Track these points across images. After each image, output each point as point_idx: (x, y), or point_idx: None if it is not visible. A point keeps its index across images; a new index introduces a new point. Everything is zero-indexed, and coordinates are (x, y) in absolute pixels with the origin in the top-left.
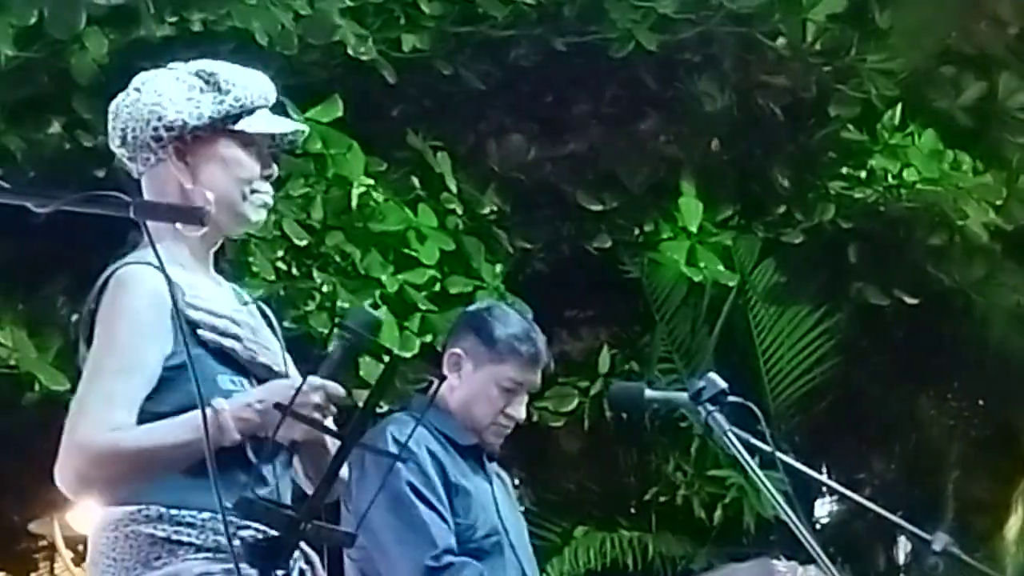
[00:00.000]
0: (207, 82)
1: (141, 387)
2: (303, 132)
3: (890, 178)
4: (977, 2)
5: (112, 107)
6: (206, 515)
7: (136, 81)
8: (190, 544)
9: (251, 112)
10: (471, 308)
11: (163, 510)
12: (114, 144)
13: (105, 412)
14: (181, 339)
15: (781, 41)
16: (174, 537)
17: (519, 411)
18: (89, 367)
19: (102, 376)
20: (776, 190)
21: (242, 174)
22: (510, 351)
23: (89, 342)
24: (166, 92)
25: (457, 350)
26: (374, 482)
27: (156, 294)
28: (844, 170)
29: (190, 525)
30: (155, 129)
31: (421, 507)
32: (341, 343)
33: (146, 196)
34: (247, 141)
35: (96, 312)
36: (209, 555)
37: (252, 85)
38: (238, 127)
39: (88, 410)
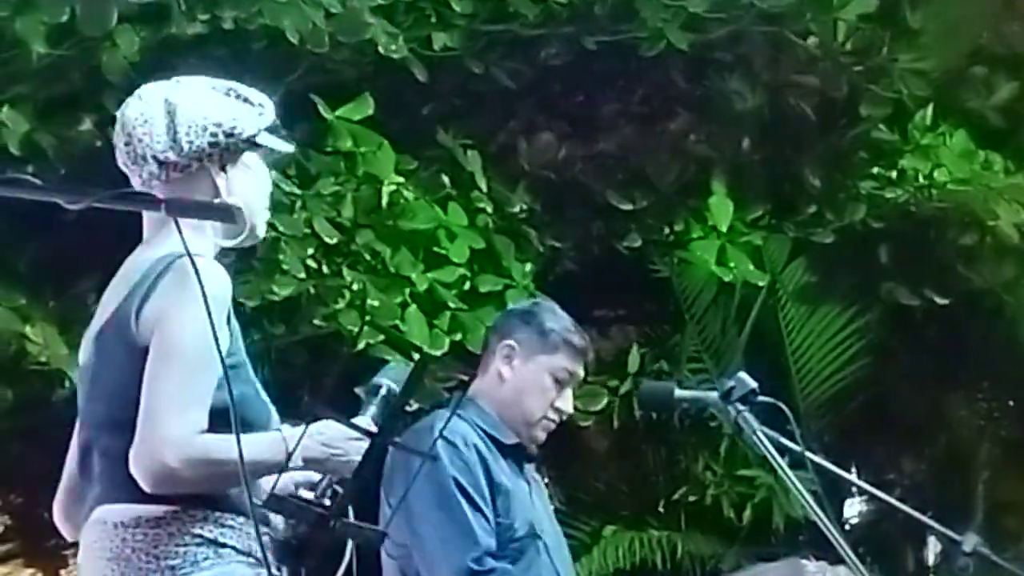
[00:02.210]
0: (237, 96)
1: (213, 386)
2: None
3: (921, 178)
4: (1009, 2)
5: (142, 116)
6: (241, 519)
7: (156, 93)
8: (232, 547)
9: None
10: (517, 304)
11: (208, 512)
12: (153, 149)
13: (193, 411)
14: (237, 341)
15: (812, 40)
16: (220, 539)
17: (568, 404)
18: (165, 359)
19: (182, 371)
20: (807, 190)
21: (265, 188)
22: (564, 341)
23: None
24: (215, 102)
25: (510, 341)
26: (417, 478)
27: (221, 289)
28: (875, 170)
29: (231, 527)
30: (213, 135)
31: (466, 506)
32: (382, 400)
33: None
34: (263, 156)
35: (147, 300)
36: (246, 559)
37: (270, 102)
38: (261, 141)
39: (174, 406)
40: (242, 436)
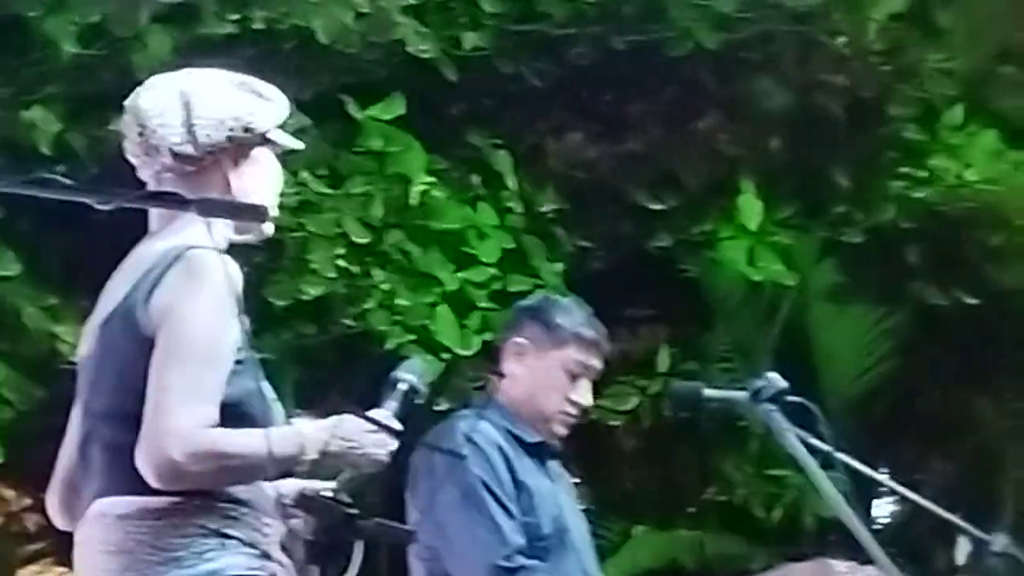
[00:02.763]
0: (251, 90)
1: (222, 380)
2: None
3: (950, 178)
4: None
5: (157, 107)
6: (245, 510)
7: (170, 84)
8: (237, 538)
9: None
10: (526, 301)
11: (212, 502)
12: (168, 141)
13: (199, 405)
14: (245, 335)
15: (842, 40)
16: (223, 530)
17: (585, 396)
18: (174, 352)
19: (191, 364)
20: (836, 189)
21: (275, 184)
22: (573, 335)
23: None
24: (231, 96)
25: (520, 339)
26: (442, 479)
27: (231, 282)
28: (904, 170)
29: (234, 519)
30: (231, 130)
31: (492, 505)
32: (400, 394)
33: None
34: (274, 153)
35: (154, 291)
36: (251, 550)
37: (283, 97)
38: (273, 137)
39: (182, 400)
40: (256, 431)
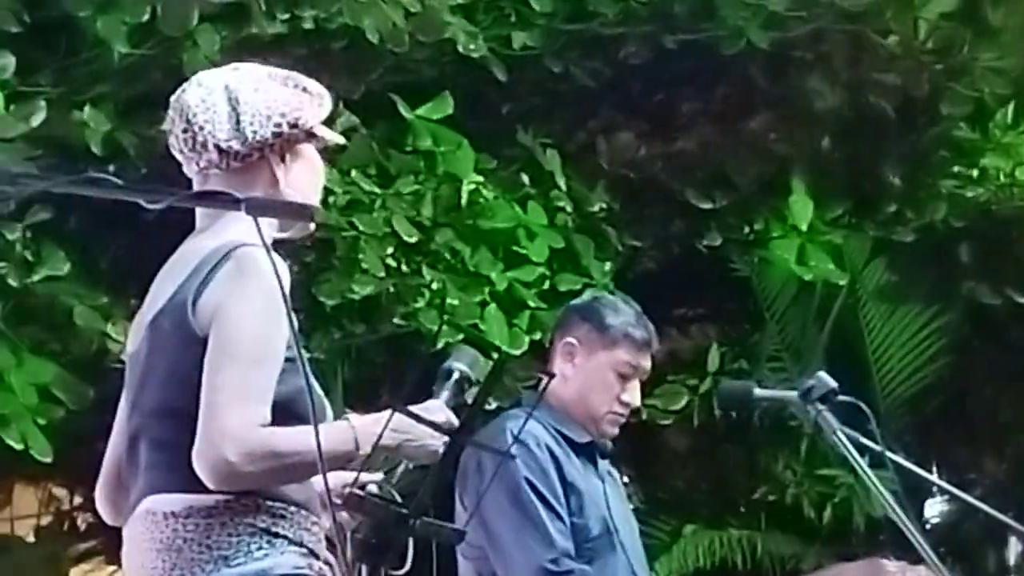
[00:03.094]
0: (296, 85)
1: (274, 379)
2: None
3: (1002, 177)
4: None
5: (204, 103)
6: (293, 508)
7: (217, 80)
8: (285, 537)
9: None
10: (577, 300)
11: (260, 501)
12: (215, 137)
13: (254, 405)
14: (292, 333)
15: (893, 39)
16: (271, 529)
17: (634, 397)
18: (226, 351)
19: (243, 364)
20: (887, 189)
21: (319, 179)
22: (623, 336)
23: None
24: (278, 91)
25: (570, 339)
26: (491, 478)
27: (281, 280)
28: (956, 169)
29: (282, 517)
30: (277, 125)
31: (540, 506)
32: (453, 384)
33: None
34: (318, 148)
35: (204, 290)
36: (298, 548)
37: (327, 93)
38: (319, 133)
39: (235, 400)
40: (308, 428)
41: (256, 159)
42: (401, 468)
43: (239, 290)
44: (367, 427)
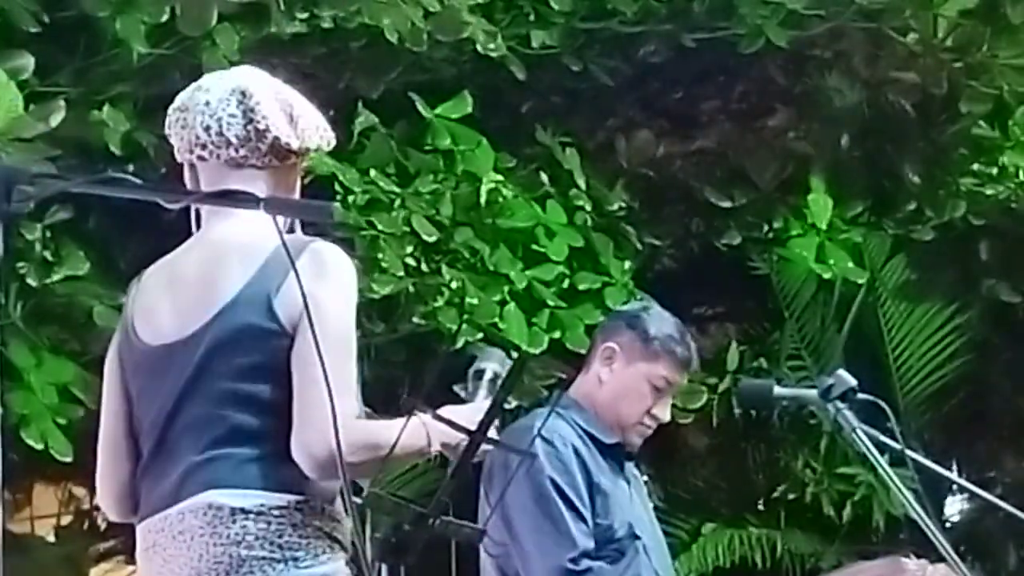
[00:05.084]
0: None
1: (356, 371)
2: None
3: (1022, 174)
4: None
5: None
6: (340, 512)
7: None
8: (339, 542)
9: None
10: (626, 307)
11: (325, 505)
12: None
13: (351, 397)
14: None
15: (912, 37)
16: (333, 533)
17: (664, 412)
18: (324, 343)
19: (337, 356)
20: (906, 187)
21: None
22: (665, 350)
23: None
24: (313, 109)
25: (612, 344)
26: (516, 477)
27: (355, 275)
28: (975, 167)
29: (338, 522)
30: (320, 138)
31: (563, 506)
32: (488, 383)
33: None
34: None
35: (284, 283)
36: (346, 555)
37: None
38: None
39: (339, 392)
40: (386, 423)
41: (291, 164)
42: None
43: (326, 285)
44: (435, 424)
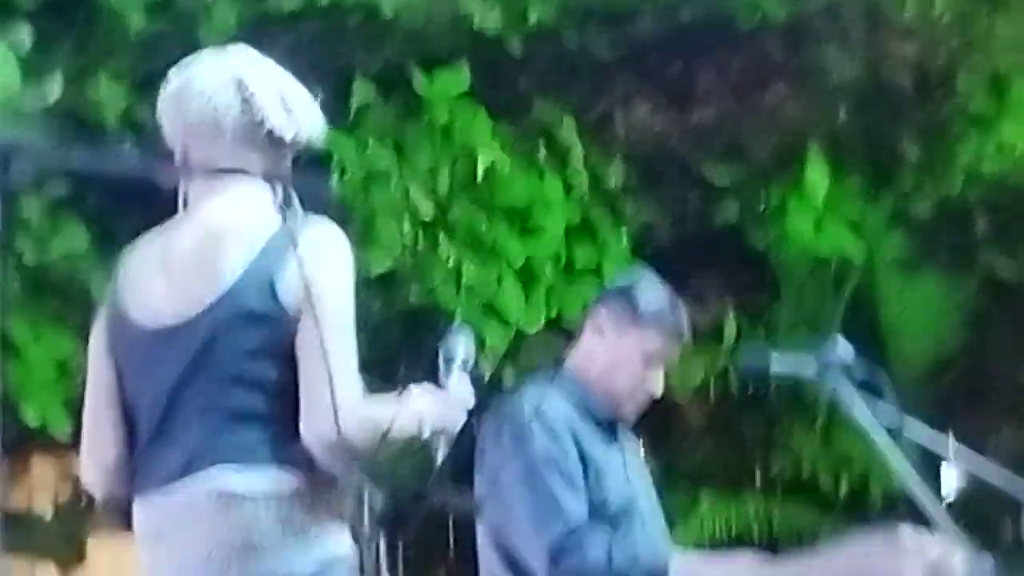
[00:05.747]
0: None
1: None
2: None
3: (1019, 150)
4: None
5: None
6: (345, 491)
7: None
8: (345, 521)
9: None
10: (619, 278)
11: (333, 484)
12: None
13: (356, 382)
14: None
15: (910, 12)
16: (340, 513)
17: (657, 384)
18: (329, 325)
19: (342, 337)
20: (904, 161)
21: None
22: (656, 322)
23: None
24: (311, 102)
25: (602, 315)
26: (508, 451)
27: (352, 255)
28: (973, 141)
29: (343, 501)
30: (313, 129)
31: (554, 480)
32: (460, 367)
33: None
34: None
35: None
36: (350, 533)
37: None
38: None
39: (342, 373)
40: (386, 405)
41: (283, 152)
42: (443, 448)
43: (328, 265)
44: (427, 408)
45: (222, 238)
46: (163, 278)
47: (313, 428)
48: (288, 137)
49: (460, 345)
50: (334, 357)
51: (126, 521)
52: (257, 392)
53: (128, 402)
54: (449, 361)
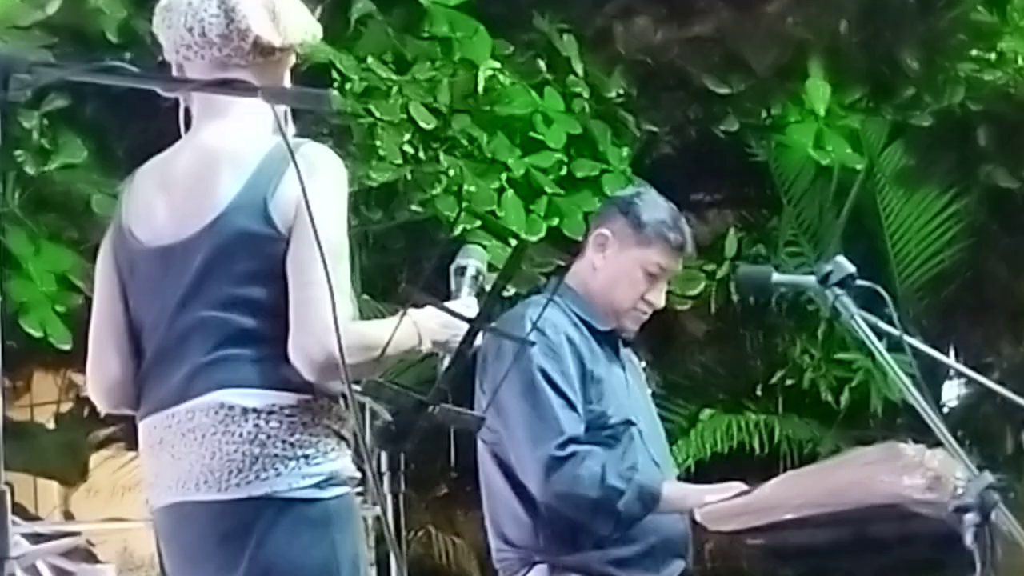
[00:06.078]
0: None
1: (348, 273)
2: None
3: (1020, 60)
4: None
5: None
6: (345, 410)
7: None
8: (345, 439)
9: None
10: (620, 193)
11: (332, 403)
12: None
13: (345, 299)
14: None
15: None
16: (341, 431)
17: (659, 298)
18: (314, 247)
19: (332, 259)
20: (905, 72)
21: None
22: (658, 236)
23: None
24: (301, 9)
25: (604, 231)
26: (507, 366)
27: (345, 177)
28: (974, 52)
29: (344, 419)
30: (304, 34)
31: (552, 394)
32: (470, 280)
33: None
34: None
35: (279, 188)
36: (351, 451)
37: None
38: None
39: (336, 293)
40: (377, 324)
41: (276, 60)
42: (444, 364)
43: (319, 187)
44: (425, 322)
45: (218, 160)
46: (163, 197)
47: (300, 348)
48: (276, 43)
49: (472, 260)
50: (321, 277)
51: (133, 440)
52: (254, 313)
53: (133, 321)
54: (460, 276)
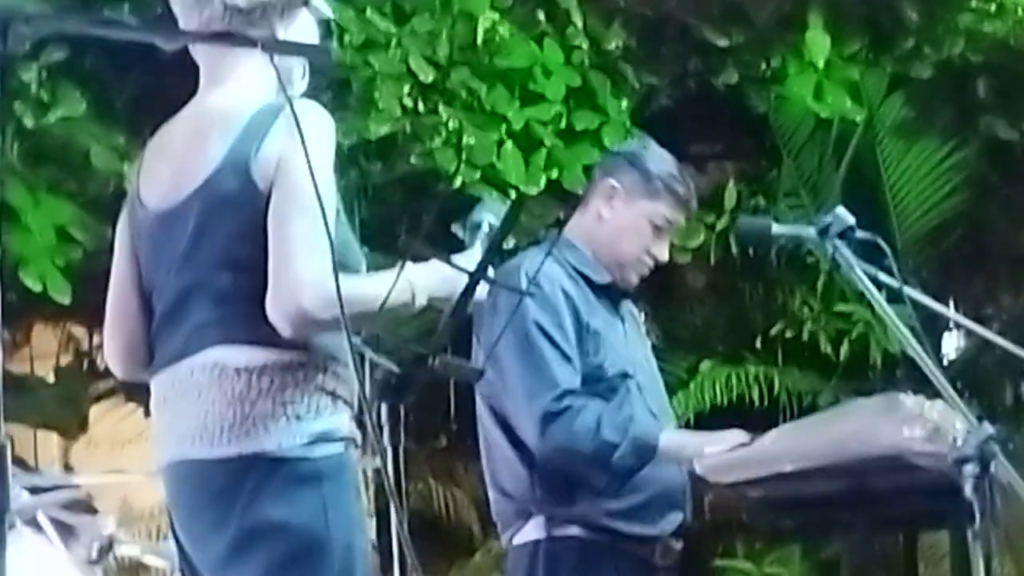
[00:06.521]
0: None
1: (333, 229)
2: None
3: (1020, 11)
4: None
5: None
6: (341, 369)
7: None
8: (340, 397)
9: None
10: (626, 145)
11: (326, 362)
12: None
13: (324, 254)
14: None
15: None
16: (335, 390)
17: (663, 251)
18: (292, 202)
19: (310, 214)
20: (905, 24)
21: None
22: (667, 189)
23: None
24: None
25: (613, 181)
26: (504, 318)
27: (332, 133)
28: (974, 4)
29: (338, 377)
30: None
31: (547, 347)
32: (485, 235)
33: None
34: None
35: (262, 145)
36: (348, 408)
37: None
38: (314, 3)
39: (306, 250)
40: (369, 278)
41: (257, 18)
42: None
43: (298, 142)
44: (421, 278)
45: (211, 123)
46: (165, 164)
47: (274, 303)
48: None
49: (489, 215)
50: (296, 231)
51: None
52: (247, 272)
53: (144, 286)
54: (475, 229)
